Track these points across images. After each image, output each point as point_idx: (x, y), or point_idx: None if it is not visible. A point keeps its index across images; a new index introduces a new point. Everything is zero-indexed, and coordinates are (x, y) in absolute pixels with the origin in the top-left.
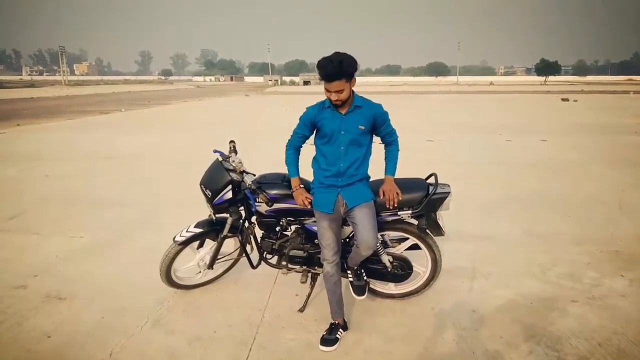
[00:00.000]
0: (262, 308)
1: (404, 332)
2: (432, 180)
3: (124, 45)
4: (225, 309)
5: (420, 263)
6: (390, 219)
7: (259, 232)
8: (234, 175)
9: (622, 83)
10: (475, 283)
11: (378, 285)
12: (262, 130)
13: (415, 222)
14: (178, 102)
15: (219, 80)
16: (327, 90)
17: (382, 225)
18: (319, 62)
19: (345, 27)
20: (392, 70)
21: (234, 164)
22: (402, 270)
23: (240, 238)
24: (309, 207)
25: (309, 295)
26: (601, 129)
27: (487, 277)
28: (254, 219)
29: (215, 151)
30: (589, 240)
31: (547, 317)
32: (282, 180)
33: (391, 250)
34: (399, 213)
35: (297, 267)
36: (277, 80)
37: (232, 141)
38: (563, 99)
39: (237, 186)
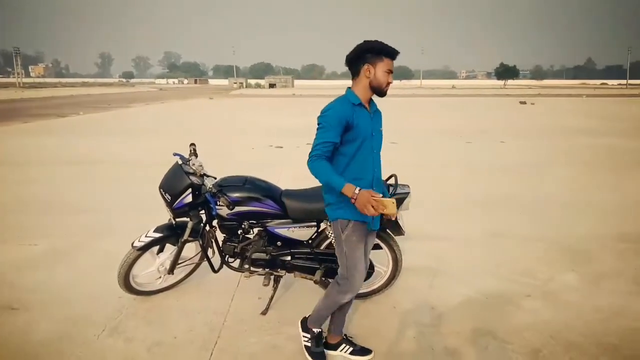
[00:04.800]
0: (224, 312)
1: (366, 331)
2: (392, 181)
3: (82, 46)
4: (187, 314)
5: (382, 262)
6: None
7: (220, 236)
8: (194, 179)
9: (576, 87)
10: (435, 281)
11: None
12: (227, 133)
13: None
14: (140, 105)
15: (183, 83)
16: (389, 72)
17: None
18: (371, 43)
19: (311, 30)
20: None
21: (194, 167)
22: None
23: (201, 242)
24: (393, 214)
25: (271, 298)
26: (556, 131)
27: (446, 276)
28: (215, 222)
29: (175, 154)
30: (544, 238)
31: (503, 312)
32: (244, 183)
33: None
34: None
35: (260, 270)
36: (242, 83)
37: (192, 144)
38: (521, 102)
39: (197, 189)
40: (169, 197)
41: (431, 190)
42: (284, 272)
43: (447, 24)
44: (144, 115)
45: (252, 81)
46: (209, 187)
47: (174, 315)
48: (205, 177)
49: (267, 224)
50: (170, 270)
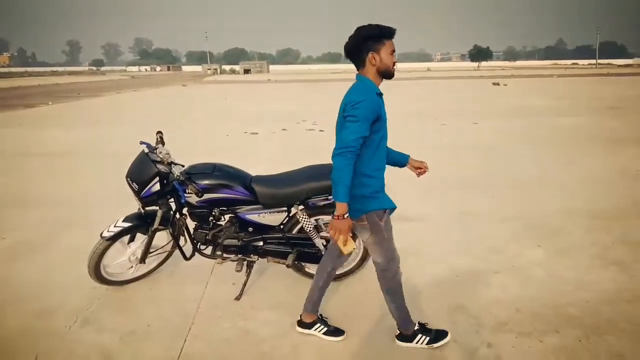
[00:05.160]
0: (198, 299)
1: (338, 313)
2: None
3: (49, 34)
4: (160, 303)
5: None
6: (322, 203)
7: (191, 224)
8: (161, 167)
9: (548, 67)
10: (406, 261)
11: (314, 269)
12: (200, 120)
13: None
14: (111, 94)
15: (155, 70)
16: (393, 53)
17: (315, 210)
18: (369, 30)
19: (286, 14)
20: (334, 57)
21: (161, 155)
22: None
23: (171, 230)
24: (343, 254)
25: (245, 283)
26: (527, 111)
27: (418, 255)
28: (185, 210)
29: (141, 143)
30: (513, 216)
31: (472, 288)
32: (213, 170)
33: (324, 233)
34: (330, 197)
35: (232, 256)
36: (216, 69)
37: (159, 132)
38: (494, 84)
39: (165, 178)
40: (136, 186)
41: (405, 172)
42: (256, 257)
43: (422, 6)
44: (115, 104)
45: (227, 67)
46: (177, 175)
47: (147, 304)
48: (172, 165)
49: (238, 211)
50: (142, 260)
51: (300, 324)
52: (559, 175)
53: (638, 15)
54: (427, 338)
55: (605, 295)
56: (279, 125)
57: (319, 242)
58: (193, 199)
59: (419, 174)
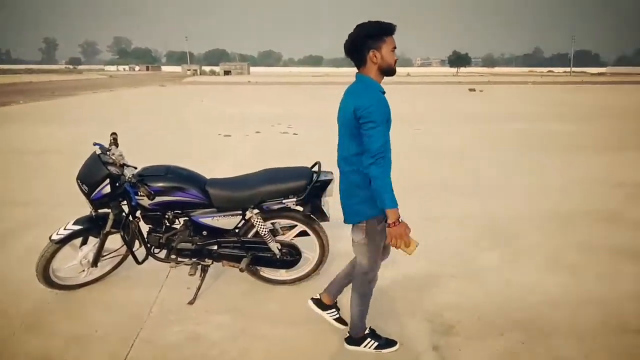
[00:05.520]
0: (151, 303)
1: (292, 317)
2: (316, 168)
3: (25, 31)
4: (111, 307)
5: (310, 249)
6: (276, 207)
7: (145, 227)
8: (112, 169)
9: (525, 74)
10: None
11: (269, 273)
12: (174, 121)
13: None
14: (87, 94)
15: (134, 70)
16: (394, 49)
17: (269, 214)
18: (368, 27)
19: (268, 16)
20: (315, 60)
21: (113, 157)
22: (291, 256)
23: (123, 233)
24: (409, 254)
25: (199, 287)
26: (500, 117)
27: None
28: (138, 213)
29: (95, 144)
30: (475, 220)
31: (428, 292)
32: (166, 173)
33: (280, 237)
34: (284, 201)
35: (186, 260)
36: (196, 70)
37: (113, 133)
38: (470, 89)
39: (116, 180)
40: (86, 188)
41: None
42: (210, 261)
43: (403, 12)
44: (90, 104)
45: (207, 68)
46: (128, 177)
47: (98, 308)
48: (125, 167)
49: (192, 214)
50: (94, 263)
51: (316, 301)
52: (525, 179)
53: (611, 25)
54: (376, 343)
55: (552, 299)
56: (253, 128)
57: (274, 246)
58: (145, 201)
59: None
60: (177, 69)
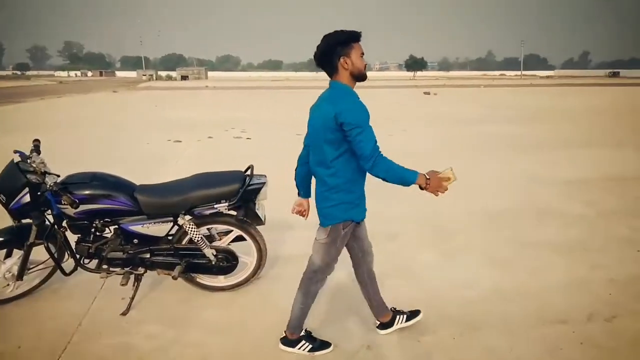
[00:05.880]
0: (82, 315)
1: (229, 323)
2: (250, 172)
3: None
4: (38, 321)
5: (247, 253)
6: (208, 212)
7: (74, 237)
8: (32, 177)
9: (478, 77)
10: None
11: (207, 279)
12: (122, 128)
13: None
14: (34, 100)
15: (87, 76)
16: (362, 55)
17: (202, 219)
18: (336, 36)
19: (226, 20)
20: (274, 65)
21: (34, 165)
22: (227, 262)
23: (47, 244)
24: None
25: (132, 297)
26: (451, 119)
27: None
28: (65, 222)
29: (15, 151)
30: (417, 220)
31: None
32: (91, 180)
33: (216, 243)
34: (215, 206)
35: (118, 269)
36: (152, 75)
37: (35, 140)
38: (425, 93)
39: (36, 188)
40: (4, 198)
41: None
42: (143, 270)
43: (360, 18)
44: (36, 112)
45: (163, 73)
46: (50, 186)
47: (23, 323)
48: (47, 174)
49: (121, 222)
50: (19, 277)
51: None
52: (469, 178)
53: (558, 31)
54: (310, 346)
55: (485, 294)
56: (207, 133)
57: (209, 252)
58: (70, 210)
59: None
60: (133, 74)
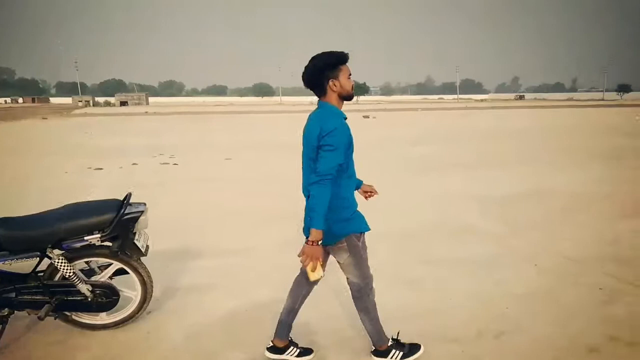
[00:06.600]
0: None
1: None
2: (127, 200)
3: None
4: None
5: (131, 287)
6: (78, 245)
7: None
8: None
9: (419, 101)
10: (207, 297)
11: (87, 318)
12: (42, 157)
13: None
14: None
15: (17, 102)
16: (350, 76)
17: (74, 253)
18: (325, 58)
19: (166, 44)
20: (219, 90)
21: None
22: (107, 297)
23: None
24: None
25: None
26: (386, 141)
27: (223, 290)
28: None
29: None
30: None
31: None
32: None
33: (95, 277)
34: (86, 238)
35: None
36: (88, 101)
37: None
38: (364, 116)
39: None
40: None
41: (249, 202)
42: (6, 310)
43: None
44: None
45: (101, 99)
46: None
47: None
48: None
49: None
50: None
51: (272, 349)
52: (395, 198)
53: (491, 57)
54: (401, 353)
55: (390, 315)
56: (132, 159)
57: (84, 288)
58: None
59: (367, 197)
60: (68, 100)
